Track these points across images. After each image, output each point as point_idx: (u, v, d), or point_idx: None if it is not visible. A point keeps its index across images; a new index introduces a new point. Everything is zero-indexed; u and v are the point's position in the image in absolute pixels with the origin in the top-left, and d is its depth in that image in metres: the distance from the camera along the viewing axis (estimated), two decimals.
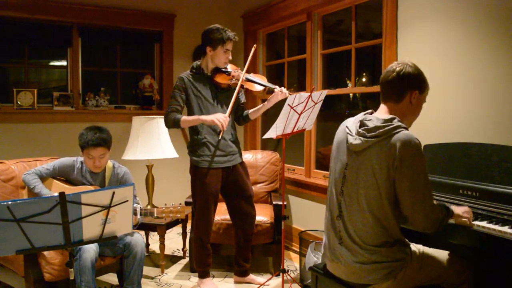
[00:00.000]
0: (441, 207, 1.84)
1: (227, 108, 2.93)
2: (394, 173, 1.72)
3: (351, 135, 1.86)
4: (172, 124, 2.89)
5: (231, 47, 2.91)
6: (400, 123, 1.77)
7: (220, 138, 2.85)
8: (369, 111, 1.95)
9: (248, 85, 2.95)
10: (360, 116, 1.92)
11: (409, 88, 1.83)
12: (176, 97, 2.91)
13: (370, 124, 1.81)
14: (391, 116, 1.81)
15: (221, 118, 2.74)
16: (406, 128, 1.77)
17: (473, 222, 1.92)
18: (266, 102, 2.97)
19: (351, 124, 1.91)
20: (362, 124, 1.86)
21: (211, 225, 3.03)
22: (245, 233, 3.12)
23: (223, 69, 2.95)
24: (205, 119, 2.79)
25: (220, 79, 2.92)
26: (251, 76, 2.99)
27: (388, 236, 1.79)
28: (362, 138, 1.80)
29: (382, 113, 1.88)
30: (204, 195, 2.92)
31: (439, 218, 1.77)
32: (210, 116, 2.79)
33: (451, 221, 1.91)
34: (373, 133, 1.78)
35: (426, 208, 1.74)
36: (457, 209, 1.91)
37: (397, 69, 1.83)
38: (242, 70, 2.99)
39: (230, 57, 2.94)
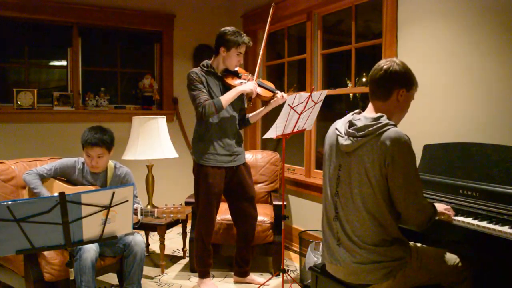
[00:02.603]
0: (430, 203, 1.88)
1: (235, 110, 2.98)
2: (386, 170, 1.74)
3: (341, 136, 1.88)
4: (214, 110, 2.78)
5: (244, 51, 2.93)
6: (388, 121, 1.78)
7: (231, 141, 2.93)
8: (357, 111, 1.97)
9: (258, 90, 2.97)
10: (349, 116, 1.93)
11: (396, 86, 1.84)
12: (199, 88, 2.84)
13: (359, 124, 1.83)
14: (379, 114, 1.82)
15: (254, 87, 2.88)
16: (395, 125, 1.79)
17: (473, 222, 1.93)
18: (266, 106, 3.00)
19: (340, 125, 1.93)
20: (351, 124, 1.87)
21: (213, 225, 3.03)
22: (246, 234, 3.11)
23: (234, 71, 2.97)
24: (243, 89, 2.87)
25: (232, 81, 2.94)
26: (261, 82, 3.01)
27: (386, 234, 1.79)
28: (352, 138, 1.82)
29: (370, 112, 1.90)
30: (207, 194, 2.92)
31: (429, 213, 1.81)
32: (245, 86, 2.87)
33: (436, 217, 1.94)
34: (362, 132, 1.79)
35: (418, 203, 1.77)
36: (439, 207, 1.97)
37: (384, 67, 1.84)
38: (250, 74, 3.03)
39: (242, 61, 2.96)
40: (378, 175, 1.75)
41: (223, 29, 2.92)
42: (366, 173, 1.77)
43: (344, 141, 1.85)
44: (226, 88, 2.95)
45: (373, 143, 1.76)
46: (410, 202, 1.75)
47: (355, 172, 1.80)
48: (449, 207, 2.01)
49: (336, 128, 1.94)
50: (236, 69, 2.99)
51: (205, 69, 2.95)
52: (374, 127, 1.77)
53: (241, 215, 3.09)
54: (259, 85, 2.97)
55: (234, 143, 2.97)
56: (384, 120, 1.79)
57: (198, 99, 2.81)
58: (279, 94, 2.94)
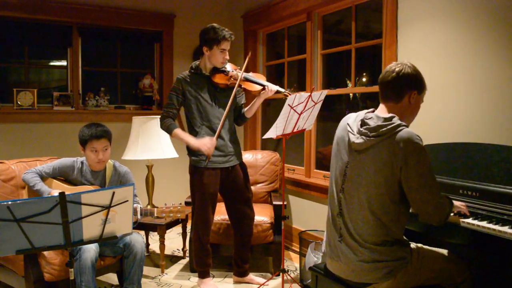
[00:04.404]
0: (446, 197, 1.88)
1: (225, 109, 2.93)
2: (399, 172, 1.73)
3: (352, 133, 1.88)
4: (165, 130, 2.95)
5: (228, 47, 2.90)
6: (400, 121, 1.79)
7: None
8: (371, 109, 1.96)
9: (246, 85, 2.94)
10: (362, 114, 1.92)
11: (408, 89, 1.85)
12: (172, 100, 2.93)
13: (372, 123, 1.83)
14: (391, 114, 1.83)
15: (207, 144, 2.79)
16: (407, 126, 1.79)
17: (473, 222, 1.93)
18: (257, 98, 2.97)
19: (352, 122, 1.92)
20: (363, 123, 1.87)
21: (210, 225, 3.03)
22: (243, 234, 3.11)
23: (222, 69, 2.95)
24: (193, 144, 2.83)
25: (218, 79, 2.91)
26: (250, 76, 2.98)
27: (388, 235, 1.80)
28: (364, 137, 1.82)
29: (382, 112, 1.90)
30: (202, 195, 2.92)
31: (447, 210, 1.82)
32: (197, 142, 2.82)
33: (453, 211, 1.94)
34: (375, 133, 1.79)
35: (435, 201, 1.77)
36: (455, 202, 1.97)
37: (396, 69, 1.85)
38: (239, 69, 2.99)
39: (227, 57, 2.93)
40: (389, 177, 1.75)
41: (203, 28, 2.91)
42: (375, 174, 1.77)
43: (356, 139, 1.85)
44: (215, 87, 2.94)
45: (386, 144, 1.76)
46: (427, 202, 1.76)
47: (364, 171, 1.80)
48: (463, 203, 2.02)
49: (348, 124, 1.93)
50: (227, 65, 2.97)
51: (193, 71, 2.95)
52: (387, 127, 1.77)
53: (237, 215, 3.09)
54: (247, 79, 2.94)
55: (229, 143, 2.97)
56: (396, 120, 1.79)
57: (164, 110, 2.94)
58: (267, 86, 2.89)
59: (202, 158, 2.89)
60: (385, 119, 1.80)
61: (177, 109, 2.95)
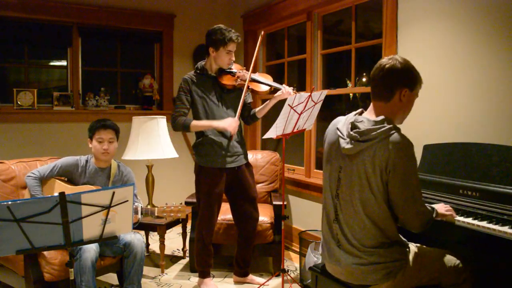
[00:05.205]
0: (429, 207, 1.88)
1: (232, 109, 2.93)
2: (387, 176, 1.71)
3: (343, 138, 1.83)
4: (181, 128, 2.87)
5: (234, 48, 2.89)
6: (390, 125, 1.73)
7: (231, 142, 2.88)
8: (359, 110, 1.91)
9: (253, 86, 2.94)
10: (351, 117, 1.87)
11: (399, 86, 1.77)
12: (182, 100, 2.90)
13: (362, 126, 1.78)
14: (381, 117, 1.77)
15: (233, 124, 2.79)
16: (398, 129, 1.75)
17: (473, 222, 1.93)
18: (271, 99, 2.95)
19: (341, 125, 1.87)
20: (353, 126, 1.82)
21: (213, 225, 3.03)
22: (247, 235, 3.11)
23: (228, 70, 2.95)
24: (217, 126, 2.81)
25: (226, 80, 2.91)
26: (257, 76, 2.98)
27: (385, 237, 1.79)
28: (354, 142, 1.77)
29: (372, 113, 1.84)
30: (207, 195, 2.92)
31: (427, 218, 1.81)
32: (221, 123, 2.80)
33: (438, 218, 1.94)
34: (365, 137, 1.74)
35: (417, 208, 1.76)
36: (441, 208, 1.95)
37: (386, 66, 1.77)
38: (247, 70, 2.99)
39: (233, 58, 2.93)
40: (379, 181, 1.73)
41: (210, 28, 2.89)
42: (367, 178, 1.74)
43: (346, 144, 1.80)
44: (222, 88, 2.94)
45: (376, 148, 1.72)
46: (409, 208, 1.74)
47: (356, 176, 1.78)
48: (450, 207, 2.00)
49: (337, 128, 1.88)
50: (232, 66, 2.97)
51: (198, 71, 2.95)
52: (378, 131, 1.72)
53: (242, 216, 3.08)
54: (254, 80, 2.94)
55: (235, 143, 2.97)
56: (387, 124, 1.74)
57: (175, 110, 2.91)
58: (285, 89, 2.86)
59: (209, 158, 2.89)
60: (376, 123, 1.76)
61: (188, 108, 2.91)
